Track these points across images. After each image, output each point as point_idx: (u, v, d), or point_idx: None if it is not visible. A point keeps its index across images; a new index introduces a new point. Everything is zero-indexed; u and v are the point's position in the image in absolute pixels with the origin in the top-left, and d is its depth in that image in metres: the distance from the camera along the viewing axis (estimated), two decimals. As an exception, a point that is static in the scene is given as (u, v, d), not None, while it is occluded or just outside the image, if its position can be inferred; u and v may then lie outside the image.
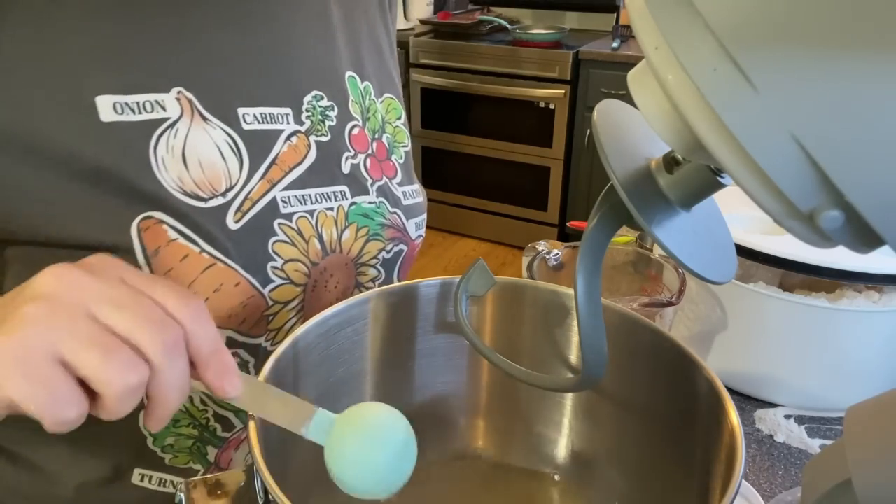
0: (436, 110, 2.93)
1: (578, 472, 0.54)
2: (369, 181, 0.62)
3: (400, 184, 0.67)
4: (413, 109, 2.98)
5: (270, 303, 0.55)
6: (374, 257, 0.63)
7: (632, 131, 0.33)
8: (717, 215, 0.37)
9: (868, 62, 0.20)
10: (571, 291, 0.39)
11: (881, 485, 0.28)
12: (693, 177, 0.30)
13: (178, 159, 0.50)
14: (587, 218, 0.35)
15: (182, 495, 0.38)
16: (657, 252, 0.69)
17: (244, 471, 0.39)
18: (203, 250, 0.50)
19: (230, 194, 0.52)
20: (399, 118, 0.70)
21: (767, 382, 0.71)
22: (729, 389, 0.41)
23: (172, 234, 0.49)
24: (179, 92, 0.51)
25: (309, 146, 0.58)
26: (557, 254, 0.67)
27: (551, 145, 2.73)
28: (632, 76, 0.28)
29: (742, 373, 0.71)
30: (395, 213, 0.65)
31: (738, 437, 0.37)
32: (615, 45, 2.56)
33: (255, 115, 0.55)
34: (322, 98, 0.59)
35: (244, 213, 0.53)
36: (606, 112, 0.32)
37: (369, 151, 0.63)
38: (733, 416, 0.39)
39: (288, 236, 0.55)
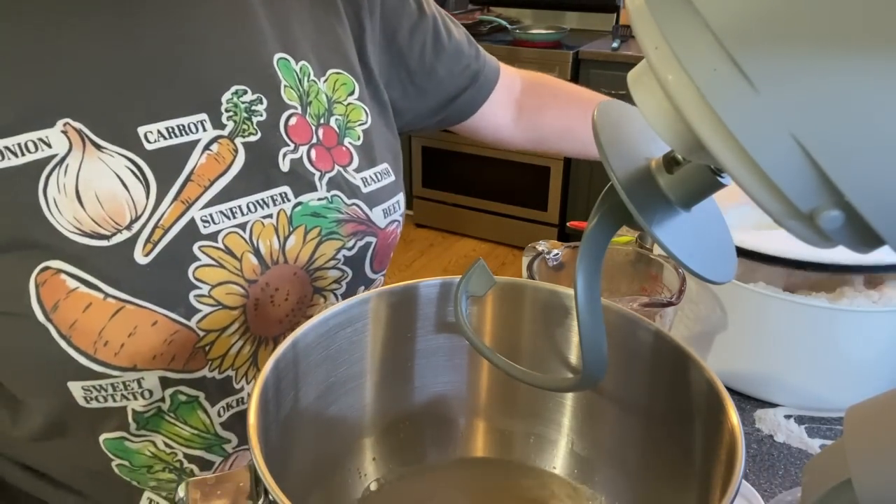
0: (436, 110, 2.93)
1: (578, 472, 0.54)
2: (316, 175, 0.56)
3: (357, 170, 0.59)
4: (413, 109, 2.97)
5: (202, 333, 0.51)
6: (333, 258, 0.57)
7: (632, 131, 0.33)
8: (717, 215, 0.37)
9: (868, 62, 0.20)
10: (571, 291, 0.39)
11: (881, 485, 0.28)
12: (693, 177, 0.30)
13: (71, 198, 0.45)
14: (587, 218, 0.35)
15: (182, 495, 0.38)
16: (657, 252, 0.69)
17: (244, 471, 0.39)
18: (108, 295, 0.46)
19: (136, 226, 0.47)
20: (352, 93, 0.61)
21: (767, 382, 0.71)
22: (729, 389, 0.41)
23: (72, 284, 0.45)
24: (66, 124, 0.45)
25: (235, 151, 0.52)
26: (557, 254, 0.67)
27: (551, 145, 2.72)
28: (632, 76, 0.28)
29: (742, 373, 0.71)
30: (353, 204, 0.58)
31: (738, 437, 0.37)
32: (615, 45, 2.56)
33: (159, 132, 0.48)
34: (245, 92, 0.53)
35: (154, 245, 0.47)
36: (606, 112, 0.32)
37: (313, 141, 0.56)
38: (733, 416, 0.39)
39: (214, 258, 0.50)
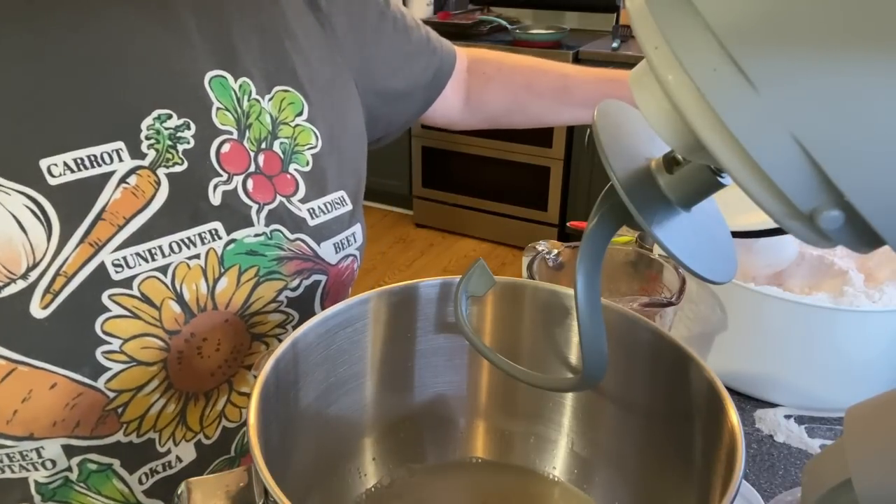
0: (436, 110, 2.93)
1: (578, 472, 0.54)
2: (254, 208, 0.50)
3: (304, 200, 0.53)
4: (413, 109, 2.97)
5: (112, 395, 0.45)
6: (273, 301, 0.52)
7: (632, 131, 0.33)
8: (717, 215, 0.37)
9: (868, 62, 0.20)
10: (571, 291, 0.39)
11: (881, 485, 0.28)
12: (693, 177, 0.30)
13: None
14: (587, 218, 0.35)
15: (182, 495, 0.38)
16: (657, 252, 0.69)
17: (244, 471, 0.39)
18: None
19: (33, 275, 0.41)
20: (300, 113, 0.54)
21: (767, 382, 0.71)
22: (729, 389, 0.41)
23: None
24: None
25: (157, 183, 0.46)
26: (557, 254, 0.67)
27: (551, 145, 2.72)
28: (632, 76, 0.28)
29: (742, 373, 0.71)
30: (297, 239, 0.52)
31: (738, 437, 0.37)
32: (615, 45, 2.56)
33: (65, 164, 0.43)
34: (170, 117, 0.47)
35: (55, 295, 0.42)
36: (606, 112, 0.32)
37: (251, 169, 0.50)
38: (733, 416, 0.39)
39: (127, 308, 0.45)
